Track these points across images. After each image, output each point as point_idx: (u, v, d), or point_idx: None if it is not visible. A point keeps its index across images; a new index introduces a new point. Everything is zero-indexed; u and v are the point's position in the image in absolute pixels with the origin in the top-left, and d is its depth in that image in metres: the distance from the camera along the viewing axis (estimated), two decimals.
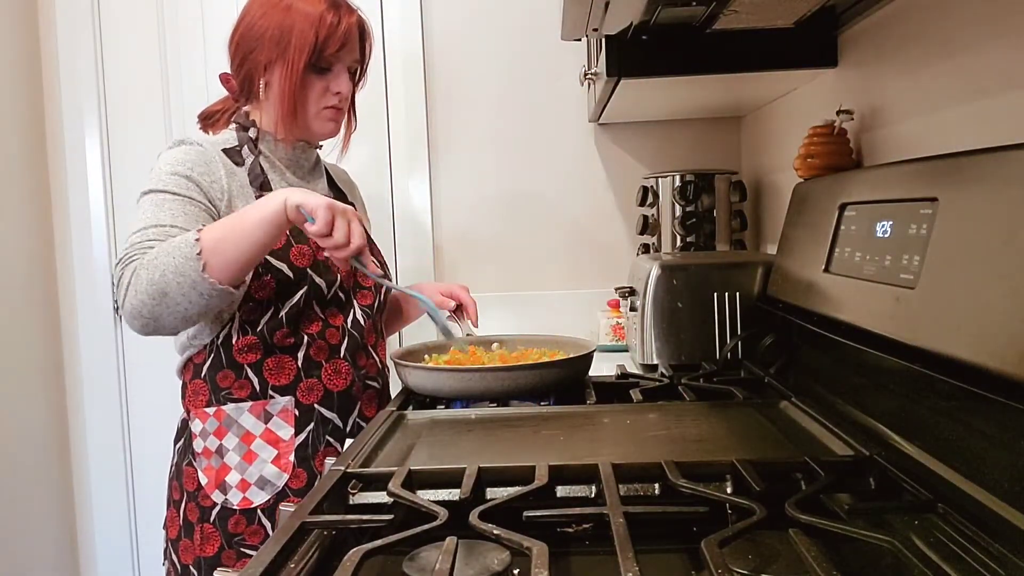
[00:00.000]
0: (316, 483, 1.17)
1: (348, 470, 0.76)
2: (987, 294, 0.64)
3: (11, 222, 1.99)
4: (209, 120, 1.33)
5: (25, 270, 2.03)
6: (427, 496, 0.70)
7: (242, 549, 1.18)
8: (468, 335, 1.41)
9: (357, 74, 1.32)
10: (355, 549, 0.57)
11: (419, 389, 1.17)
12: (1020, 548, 0.55)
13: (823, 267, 1.01)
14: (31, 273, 2.06)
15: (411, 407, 1.13)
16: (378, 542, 0.59)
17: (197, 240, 1.03)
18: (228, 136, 1.26)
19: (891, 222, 0.84)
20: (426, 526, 0.62)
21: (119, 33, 2.10)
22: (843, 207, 0.99)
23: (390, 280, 1.24)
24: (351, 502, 0.74)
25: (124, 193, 2.12)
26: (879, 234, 0.86)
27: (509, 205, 2.06)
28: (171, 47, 2.09)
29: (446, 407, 1.12)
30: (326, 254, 1.10)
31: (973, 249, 0.67)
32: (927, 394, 0.72)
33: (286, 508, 0.74)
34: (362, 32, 1.30)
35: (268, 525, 1.19)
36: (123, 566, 2.17)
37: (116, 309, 2.13)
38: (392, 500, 0.70)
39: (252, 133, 1.26)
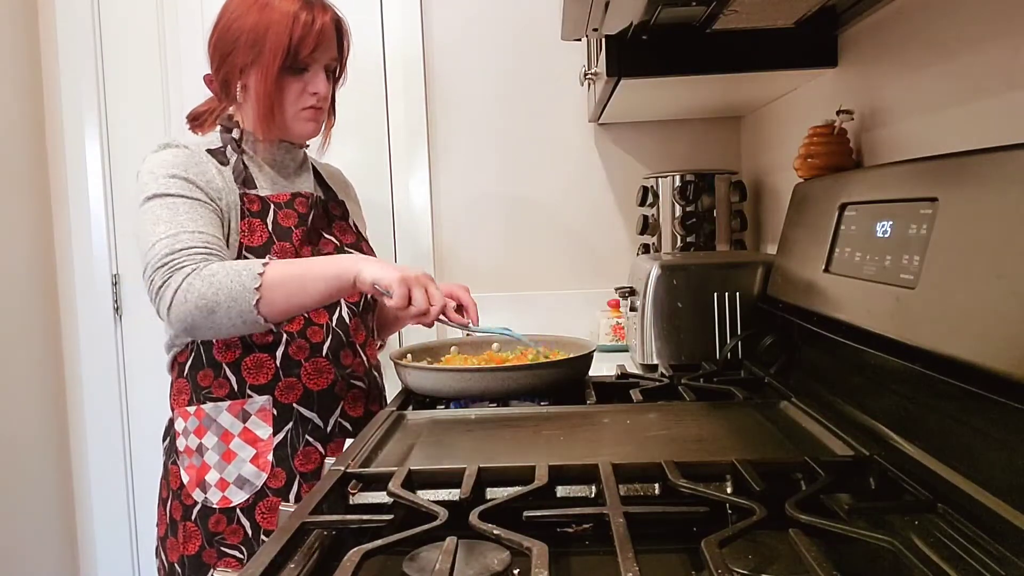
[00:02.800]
0: (295, 481, 1.20)
1: (348, 470, 0.76)
2: (987, 294, 0.64)
3: (11, 222, 1.99)
4: (197, 121, 1.34)
5: (25, 270, 2.03)
6: (427, 496, 0.70)
7: (222, 548, 1.18)
8: (468, 335, 1.41)
9: (336, 72, 1.32)
10: (355, 549, 0.57)
11: (419, 389, 1.17)
12: (1020, 548, 0.55)
13: (823, 267, 1.01)
14: (31, 273, 2.06)
15: (411, 407, 1.13)
16: (378, 542, 0.59)
17: (261, 274, 1.07)
18: (212, 137, 1.27)
19: (891, 222, 0.84)
20: (426, 526, 0.62)
21: (119, 33, 2.10)
22: (843, 207, 0.99)
23: (475, 324, 1.27)
24: (351, 502, 0.74)
25: (124, 193, 2.12)
26: (879, 234, 0.86)
27: (509, 205, 2.06)
28: (171, 47, 2.09)
29: (446, 407, 1.12)
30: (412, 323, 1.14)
31: (973, 249, 0.67)
32: (927, 394, 0.72)
33: (286, 508, 0.74)
34: (339, 30, 1.28)
35: (247, 524, 1.19)
36: (123, 566, 2.17)
37: (116, 310, 2.13)
38: (392, 500, 0.70)
39: (235, 134, 1.26)
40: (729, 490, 0.71)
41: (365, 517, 0.68)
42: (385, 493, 0.70)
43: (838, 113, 1.15)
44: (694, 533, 0.64)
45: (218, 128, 1.28)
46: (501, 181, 2.05)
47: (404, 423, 1.00)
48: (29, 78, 2.07)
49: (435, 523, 0.62)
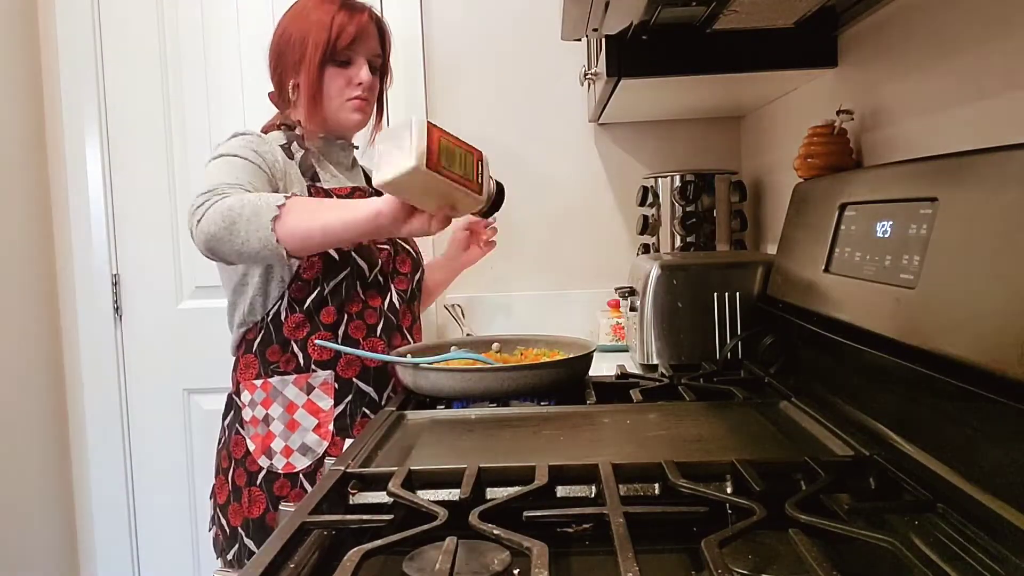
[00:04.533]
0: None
1: (348, 470, 0.76)
2: (987, 294, 0.64)
3: (11, 222, 1.99)
4: (266, 134, 1.43)
5: (25, 271, 2.03)
6: (427, 496, 0.70)
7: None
8: (468, 335, 1.41)
9: (380, 70, 1.43)
10: (355, 549, 0.57)
11: (419, 389, 1.17)
12: (1020, 548, 0.55)
13: (823, 267, 1.01)
14: (31, 273, 2.06)
15: (411, 407, 1.13)
16: (378, 542, 0.59)
17: (288, 197, 1.12)
18: (277, 135, 1.37)
19: (891, 222, 0.84)
20: (426, 526, 0.62)
21: (119, 33, 2.10)
22: (843, 207, 0.99)
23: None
24: (351, 502, 0.74)
25: (124, 193, 2.12)
26: (879, 234, 0.86)
27: (509, 205, 2.03)
28: (171, 47, 2.09)
29: (446, 407, 1.12)
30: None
31: (973, 249, 0.67)
32: (927, 394, 0.72)
33: (286, 508, 0.74)
34: (379, 28, 1.40)
35: (309, 489, 1.25)
36: (123, 566, 2.17)
37: (116, 310, 2.13)
38: (392, 500, 0.70)
39: (298, 131, 1.37)
40: (729, 490, 0.71)
41: (365, 517, 0.68)
42: (385, 493, 0.71)
43: (838, 113, 1.15)
44: (694, 533, 0.65)
45: (281, 129, 1.38)
46: (501, 181, 2.05)
47: (404, 423, 1.00)
48: (29, 78, 2.07)
49: (435, 523, 0.62)
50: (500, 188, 1.11)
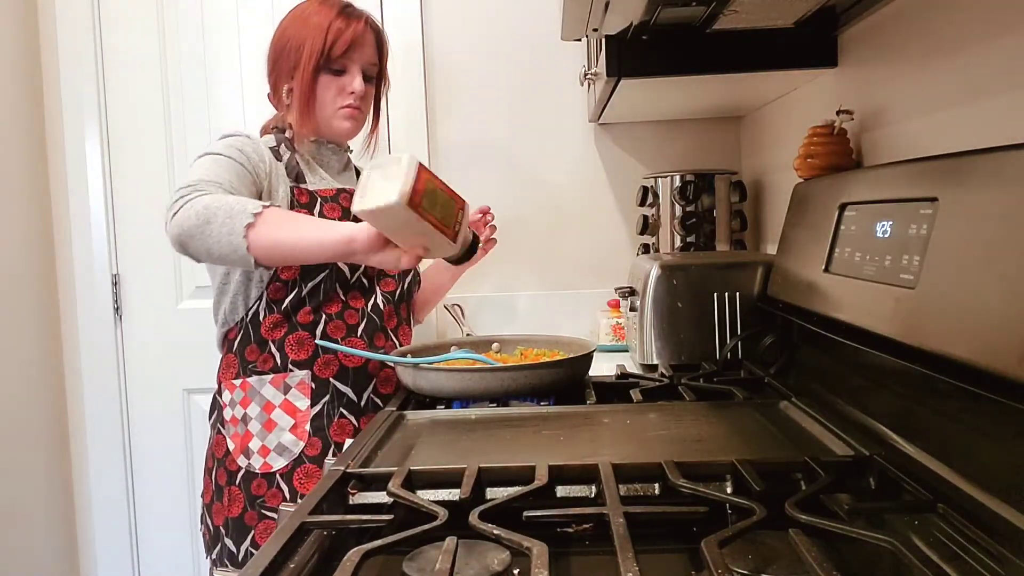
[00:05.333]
0: (330, 450, 1.27)
1: (348, 470, 0.76)
2: (987, 294, 0.64)
3: (11, 222, 1.99)
4: (264, 133, 1.45)
5: (25, 271, 2.03)
6: (427, 496, 0.70)
7: (263, 511, 1.28)
8: (468, 335, 1.41)
9: (376, 78, 1.43)
10: (355, 549, 0.57)
11: (419, 389, 1.17)
12: (1020, 548, 0.55)
13: (823, 267, 1.01)
14: (31, 274, 2.06)
15: (411, 407, 1.13)
16: (378, 542, 0.59)
17: (266, 206, 1.10)
18: (268, 138, 1.38)
19: (891, 222, 0.84)
20: (426, 526, 0.62)
21: (119, 33, 2.10)
22: (843, 207, 0.99)
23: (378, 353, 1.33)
24: (351, 502, 0.74)
25: (124, 193, 2.12)
26: (879, 234, 0.86)
27: (508, 205, 2.06)
28: (171, 46, 2.09)
29: (446, 407, 1.12)
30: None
31: (973, 249, 0.67)
32: (927, 394, 0.72)
33: (286, 508, 0.74)
34: (377, 37, 1.42)
35: (286, 489, 1.28)
36: (123, 566, 2.17)
37: (116, 310, 2.13)
38: (392, 500, 0.70)
39: (288, 134, 1.38)
40: (729, 490, 0.71)
41: (365, 517, 0.68)
42: (385, 493, 0.71)
43: (838, 113, 1.15)
44: (694, 533, 0.65)
45: (273, 132, 1.40)
46: (501, 182, 2.05)
47: (404, 423, 1.00)
48: (29, 78, 2.07)
49: (435, 523, 0.62)
50: (475, 239, 1.13)
